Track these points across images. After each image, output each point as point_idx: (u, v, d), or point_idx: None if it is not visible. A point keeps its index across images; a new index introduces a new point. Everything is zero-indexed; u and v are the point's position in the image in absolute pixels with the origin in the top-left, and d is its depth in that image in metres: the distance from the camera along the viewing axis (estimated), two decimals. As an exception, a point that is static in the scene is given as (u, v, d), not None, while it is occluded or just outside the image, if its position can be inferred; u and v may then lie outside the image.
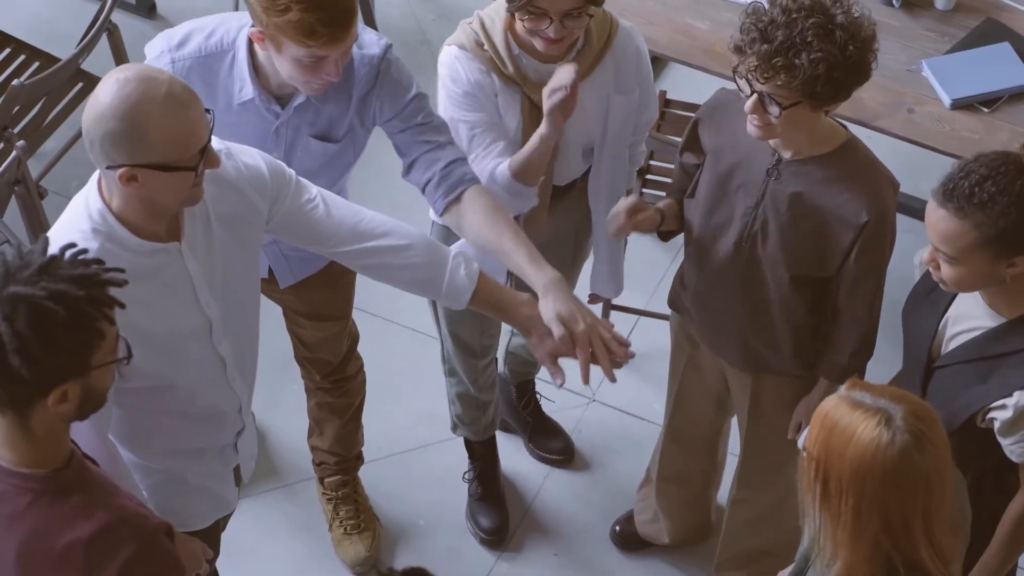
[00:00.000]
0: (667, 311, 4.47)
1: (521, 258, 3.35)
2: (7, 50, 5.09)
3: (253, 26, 3.32)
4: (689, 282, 3.77)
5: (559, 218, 3.96)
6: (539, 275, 3.32)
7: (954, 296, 3.28)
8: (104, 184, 3.01)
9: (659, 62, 5.52)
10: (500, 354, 4.54)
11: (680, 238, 3.76)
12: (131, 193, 2.94)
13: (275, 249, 3.84)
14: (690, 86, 5.16)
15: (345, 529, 4.55)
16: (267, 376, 4.59)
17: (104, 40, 4.86)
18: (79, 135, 4.95)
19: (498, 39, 3.62)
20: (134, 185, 2.90)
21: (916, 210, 5.02)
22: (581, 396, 4.92)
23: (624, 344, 3.36)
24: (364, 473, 4.61)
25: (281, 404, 4.82)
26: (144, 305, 3.02)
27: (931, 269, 3.16)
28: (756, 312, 3.61)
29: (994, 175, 2.99)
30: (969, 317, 3.24)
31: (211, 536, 3.58)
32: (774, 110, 3.24)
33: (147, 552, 2.73)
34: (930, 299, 3.34)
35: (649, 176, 4.74)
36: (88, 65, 4.86)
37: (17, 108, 4.66)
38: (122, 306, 2.67)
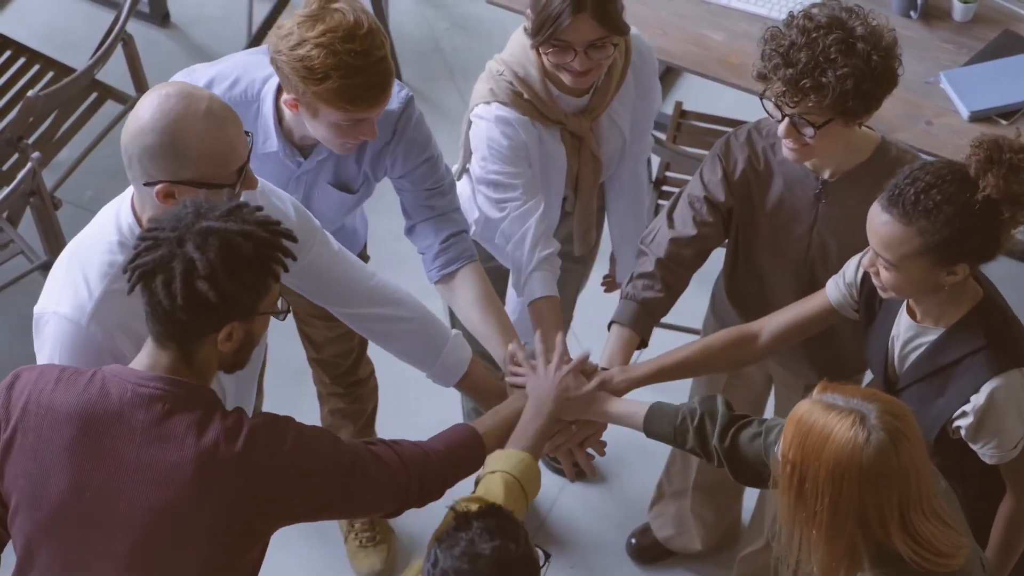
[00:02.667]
0: (680, 323, 4.48)
1: (505, 353, 3.48)
2: (21, 60, 5.09)
3: (286, 93, 3.30)
4: (745, 314, 3.72)
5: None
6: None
7: (893, 320, 3.27)
8: (138, 201, 3.01)
9: (673, 73, 5.51)
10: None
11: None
12: (163, 210, 2.93)
13: None
14: (705, 97, 5.15)
15: (360, 542, 4.54)
16: (280, 387, 4.60)
17: (119, 50, 4.85)
18: (93, 145, 5.01)
19: (538, 86, 3.62)
20: (171, 203, 2.90)
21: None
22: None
23: (596, 450, 3.58)
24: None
25: (295, 414, 4.78)
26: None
27: (871, 275, 3.15)
28: (825, 332, 3.57)
29: (940, 183, 2.98)
30: (909, 336, 3.24)
31: None
32: (808, 131, 3.22)
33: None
34: (874, 327, 3.33)
35: (665, 188, 4.73)
36: (103, 75, 4.86)
37: (31, 118, 4.66)
38: (295, 258, 2.81)
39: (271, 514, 2.86)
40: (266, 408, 4.58)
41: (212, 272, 2.67)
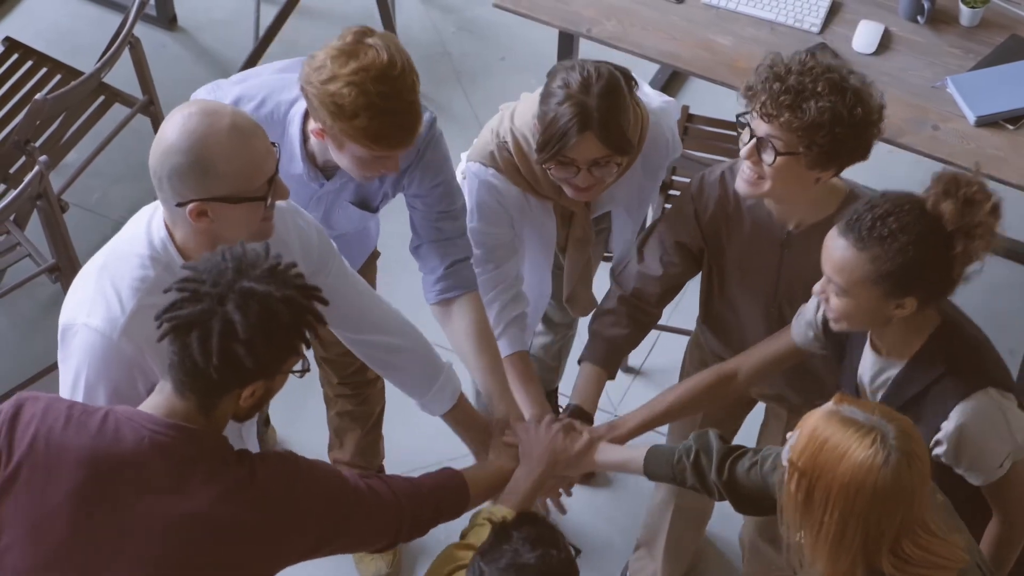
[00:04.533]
0: (689, 327, 4.46)
1: (494, 388, 3.57)
2: (29, 63, 5.09)
3: (314, 122, 3.31)
4: (722, 338, 3.77)
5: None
6: (506, 411, 3.57)
7: (859, 355, 3.27)
8: (170, 220, 3.01)
9: (680, 77, 5.52)
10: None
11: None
12: (199, 229, 2.95)
13: None
14: (712, 101, 5.15)
15: None
16: (287, 390, 4.59)
17: (126, 53, 4.86)
18: (100, 148, 5.02)
19: (536, 166, 3.61)
20: (204, 221, 2.92)
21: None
22: (602, 411, 4.90)
23: (566, 492, 3.67)
24: (385, 489, 4.60)
25: (302, 418, 4.81)
26: None
27: (820, 301, 3.17)
28: (796, 366, 3.59)
29: (897, 212, 2.99)
30: (875, 371, 3.24)
31: None
32: (768, 157, 3.23)
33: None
34: (845, 364, 3.34)
35: (672, 192, 4.72)
36: (110, 78, 4.86)
37: (39, 121, 4.66)
38: (325, 324, 2.81)
39: (277, 556, 2.86)
40: (273, 409, 4.59)
41: (251, 336, 2.68)
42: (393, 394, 4.51)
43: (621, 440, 3.56)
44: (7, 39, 5.17)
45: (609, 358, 3.64)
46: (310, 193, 3.53)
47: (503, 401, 3.57)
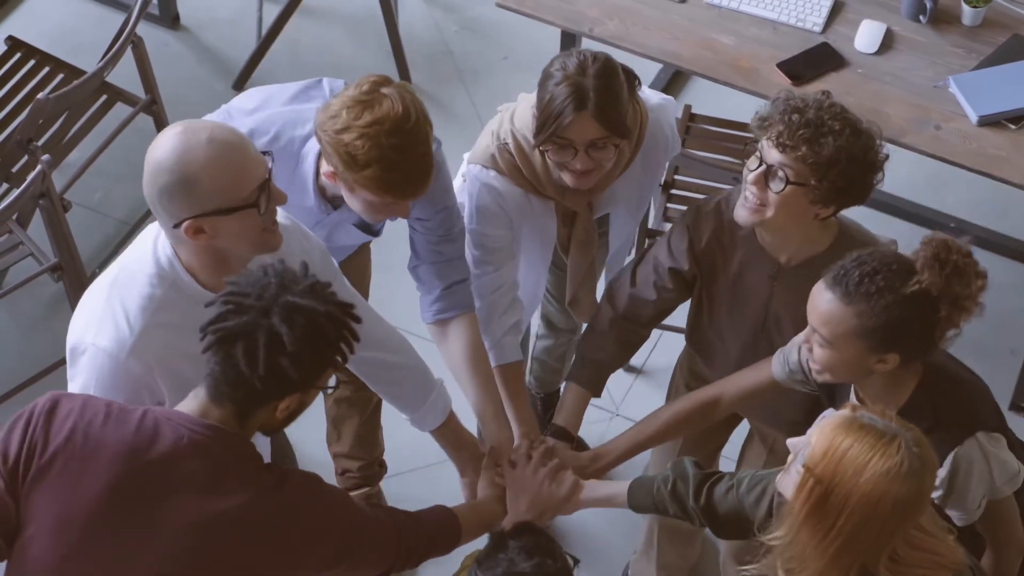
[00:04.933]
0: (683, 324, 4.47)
1: (487, 409, 3.61)
2: (32, 62, 5.09)
3: (326, 165, 3.33)
4: (707, 360, 3.80)
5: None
6: (497, 432, 3.61)
7: (846, 402, 3.25)
8: (172, 241, 3.02)
9: (683, 76, 5.52)
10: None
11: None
12: (201, 246, 2.95)
13: None
14: (714, 100, 5.15)
15: None
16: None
17: (129, 53, 4.86)
18: (103, 147, 5.03)
19: (538, 165, 3.62)
20: (203, 238, 2.92)
21: (938, 224, 5.01)
22: (604, 411, 4.91)
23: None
24: (388, 487, 4.60)
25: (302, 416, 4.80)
26: (195, 359, 3.04)
27: (804, 350, 3.20)
28: (780, 392, 3.59)
29: (885, 270, 3.02)
30: None
31: None
32: (776, 185, 3.24)
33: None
34: (837, 405, 3.33)
35: (674, 191, 4.72)
36: (113, 78, 4.86)
37: (41, 121, 4.66)
38: (358, 340, 2.84)
39: (299, 567, 2.90)
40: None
41: (297, 349, 2.71)
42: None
43: (607, 468, 3.61)
44: (10, 38, 5.17)
45: (595, 380, 3.71)
46: (315, 218, 3.56)
47: (496, 423, 3.61)
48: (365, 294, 4.20)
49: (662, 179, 3.95)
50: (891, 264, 3.03)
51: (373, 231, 3.67)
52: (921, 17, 4.64)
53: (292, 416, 2.88)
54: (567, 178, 3.55)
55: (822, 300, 3.06)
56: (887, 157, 3.30)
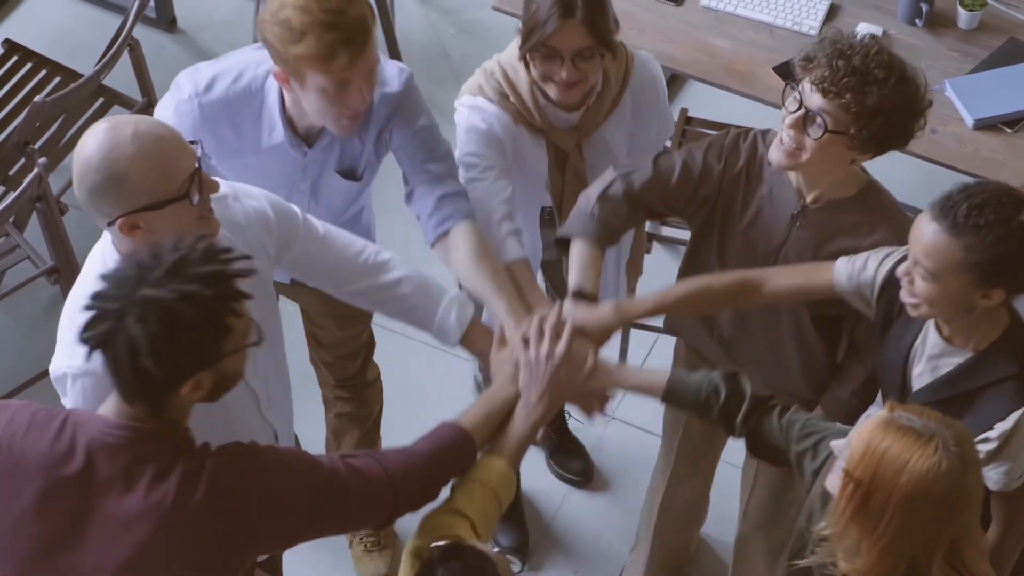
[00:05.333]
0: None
1: (499, 305, 3.43)
2: (28, 65, 5.10)
3: (275, 66, 3.33)
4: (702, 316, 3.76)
5: None
6: (514, 328, 3.38)
7: (917, 332, 3.24)
8: (112, 240, 3.00)
9: (679, 80, 5.52)
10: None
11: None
12: (139, 242, 2.91)
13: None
14: (711, 104, 5.16)
15: (365, 546, 4.55)
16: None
17: (126, 55, 4.87)
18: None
19: (524, 90, 3.62)
20: (139, 233, 2.89)
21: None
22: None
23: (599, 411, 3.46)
24: (383, 491, 4.60)
25: (300, 418, 4.80)
26: None
27: (904, 283, 3.11)
28: (774, 347, 3.59)
29: (995, 203, 2.95)
30: (935, 352, 3.20)
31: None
32: (815, 132, 3.20)
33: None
34: (891, 335, 3.30)
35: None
36: (109, 80, 4.86)
37: (38, 123, 4.67)
38: (250, 297, 2.72)
39: (246, 547, 2.83)
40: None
41: (155, 347, 2.63)
42: (394, 398, 4.53)
43: (628, 320, 3.50)
44: (7, 41, 5.18)
45: (603, 240, 3.51)
46: (294, 165, 3.54)
47: (511, 317, 3.42)
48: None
49: (660, 143, 3.88)
50: (1002, 197, 2.97)
51: (356, 175, 3.63)
52: (917, 20, 4.65)
53: (219, 388, 2.79)
54: (552, 91, 3.55)
55: (927, 231, 2.98)
56: (931, 103, 3.25)
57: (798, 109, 3.22)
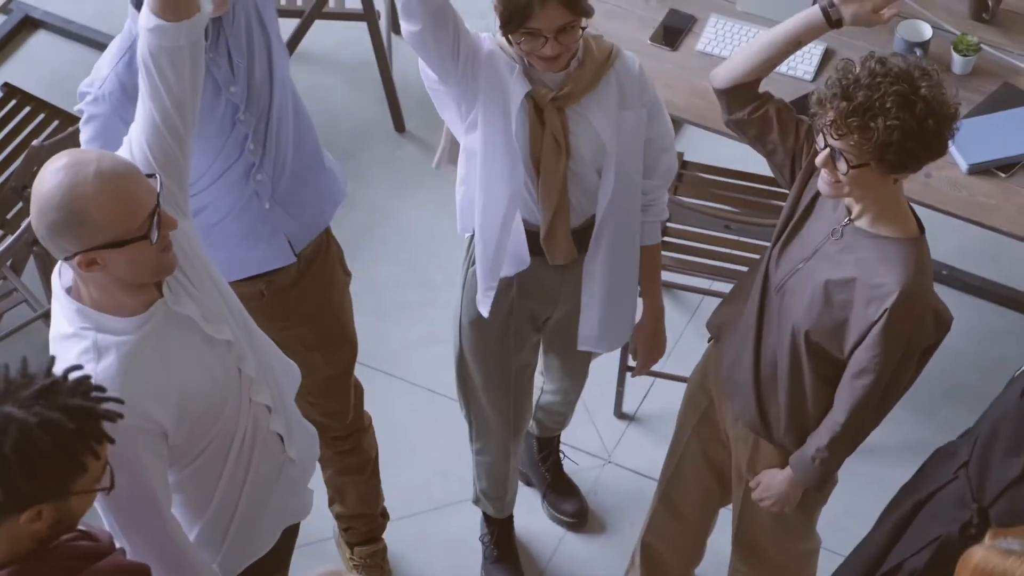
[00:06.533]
0: (683, 373, 4.47)
1: None
2: (27, 109, 5.12)
3: None
4: (722, 309, 3.77)
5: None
6: None
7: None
8: (72, 278, 2.99)
9: (676, 124, 5.52)
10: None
11: (691, 301, 3.75)
12: (99, 277, 2.92)
13: (273, 228, 3.83)
14: (708, 149, 5.17)
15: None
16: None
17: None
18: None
19: (511, 48, 3.65)
20: (96, 269, 2.89)
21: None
22: (596, 458, 4.92)
23: None
24: (379, 534, 4.60)
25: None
26: (183, 372, 3.01)
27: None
28: (769, 363, 3.59)
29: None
30: None
31: (280, 557, 3.58)
32: (842, 167, 3.25)
33: None
34: None
35: (666, 239, 4.74)
36: (107, 124, 4.88)
37: (36, 167, 4.68)
38: (112, 442, 2.67)
39: None
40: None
41: (4, 466, 2.56)
42: (388, 441, 4.53)
43: None
44: (5, 85, 5.20)
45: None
46: (221, 91, 3.57)
47: None
48: (353, 331, 4.19)
49: (663, 130, 3.86)
50: None
51: (259, 40, 3.64)
52: (911, 66, 4.67)
53: (60, 525, 2.70)
54: (538, 64, 3.60)
55: None
56: (955, 110, 3.26)
57: (825, 147, 3.28)
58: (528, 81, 3.65)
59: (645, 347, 4.13)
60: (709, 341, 3.89)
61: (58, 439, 2.59)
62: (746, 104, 3.58)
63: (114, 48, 3.55)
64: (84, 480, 2.65)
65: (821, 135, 3.28)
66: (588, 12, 3.54)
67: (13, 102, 5.14)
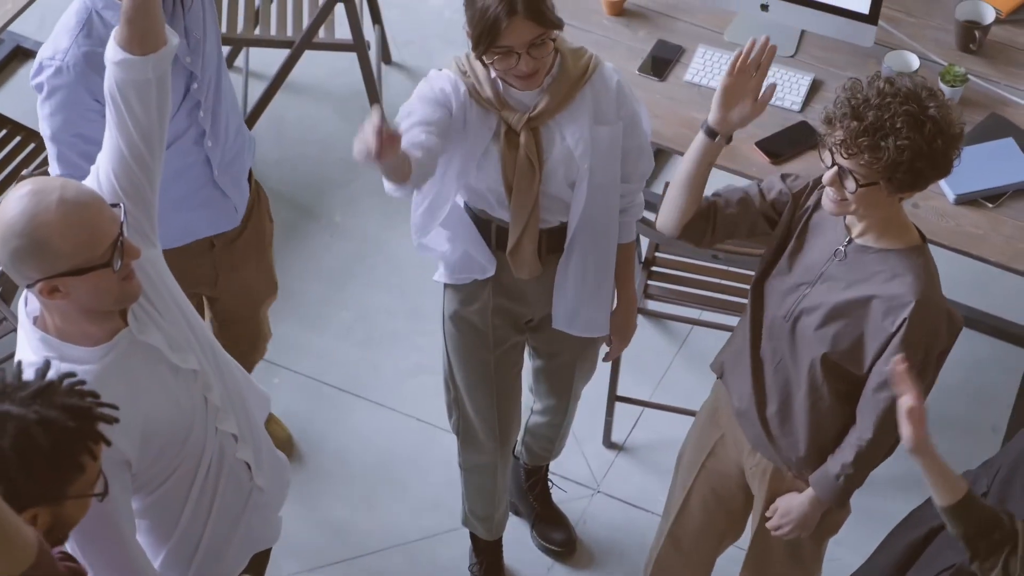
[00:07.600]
0: (672, 403, 4.49)
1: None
2: (17, 138, 5.12)
3: None
4: (735, 337, 3.76)
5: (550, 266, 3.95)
6: None
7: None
8: (38, 308, 3.00)
9: (664, 154, 5.56)
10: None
11: (680, 331, 3.74)
12: (62, 305, 2.93)
13: (221, 193, 3.98)
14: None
15: None
16: (297, 391, 4.59)
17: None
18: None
19: (479, 68, 3.66)
20: (58, 296, 2.90)
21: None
22: (585, 487, 4.92)
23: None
24: (370, 564, 4.59)
25: (313, 426, 4.81)
26: (147, 401, 3.03)
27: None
28: (784, 391, 3.58)
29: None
30: None
31: None
32: (850, 185, 3.26)
33: None
34: None
35: (655, 268, 4.75)
36: (98, 154, 4.89)
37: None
38: (108, 444, 2.67)
39: None
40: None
41: (2, 464, 2.57)
42: (379, 471, 4.52)
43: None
44: (-4, 114, 5.21)
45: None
46: (180, 63, 3.67)
47: None
48: (275, 283, 4.41)
49: (640, 143, 3.87)
50: None
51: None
52: (899, 97, 4.68)
53: (56, 530, 2.68)
54: (515, 83, 3.62)
55: None
56: (961, 131, 3.28)
57: (832, 165, 3.29)
58: (496, 116, 3.67)
59: (617, 332, 4.17)
60: (719, 378, 3.87)
61: (57, 437, 2.59)
62: (704, 230, 3.63)
63: (72, 19, 3.60)
64: (80, 483, 2.65)
65: (828, 153, 3.29)
66: (558, 24, 3.56)
67: (3, 131, 5.14)
